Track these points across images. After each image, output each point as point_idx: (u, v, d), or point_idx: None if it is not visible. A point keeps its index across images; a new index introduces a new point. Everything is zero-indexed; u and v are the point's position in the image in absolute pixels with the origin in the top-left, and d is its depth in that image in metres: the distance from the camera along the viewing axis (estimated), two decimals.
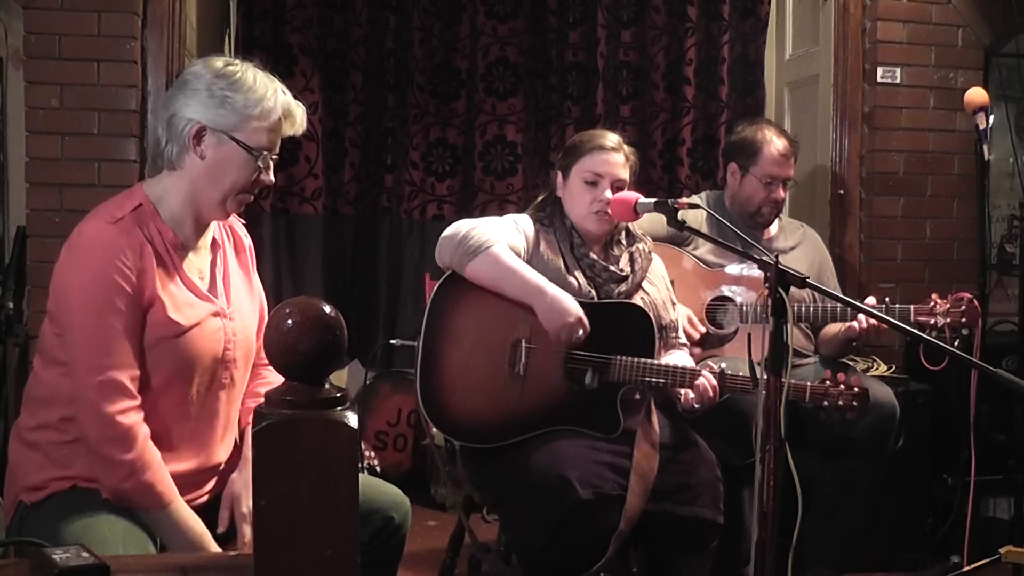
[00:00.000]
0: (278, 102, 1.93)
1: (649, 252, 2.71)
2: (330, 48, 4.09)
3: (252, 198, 1.99)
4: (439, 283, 2.53)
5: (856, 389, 2.49)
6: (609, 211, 2.57)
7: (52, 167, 3.38)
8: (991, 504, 3.70)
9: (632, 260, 2.66)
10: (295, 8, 4.01)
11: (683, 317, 2.97)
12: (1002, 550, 2.86)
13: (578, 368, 2.49)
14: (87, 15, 3.36)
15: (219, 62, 1.93)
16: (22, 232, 3.44)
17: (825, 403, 2.50)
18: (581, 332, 2.45)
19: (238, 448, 2.10)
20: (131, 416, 1.82)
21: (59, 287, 1.86)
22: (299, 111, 1.99)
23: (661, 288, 2.72)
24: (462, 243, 2.46)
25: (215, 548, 1.87)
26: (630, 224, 2.71)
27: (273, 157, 1.96)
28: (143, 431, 1.83)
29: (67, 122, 3.38)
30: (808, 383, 2.52)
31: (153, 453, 1.84)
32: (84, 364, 1.82)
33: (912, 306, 2.84)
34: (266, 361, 2.04)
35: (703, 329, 3.04)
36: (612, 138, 2.65)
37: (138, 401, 1.84)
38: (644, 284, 2.66)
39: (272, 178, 1.97)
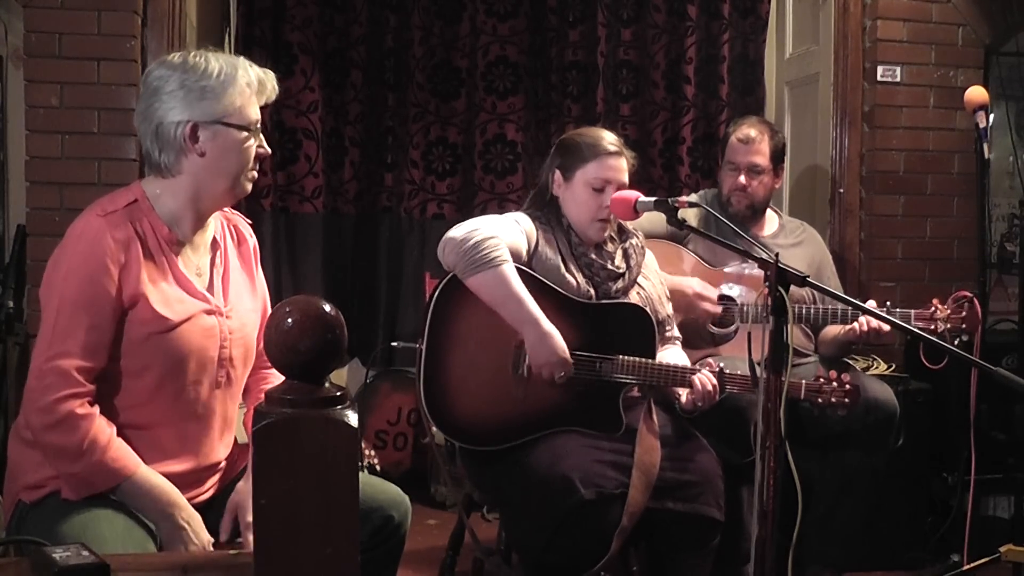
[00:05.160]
0: (250, 73, 1.93)
1: (642, 247, 2.71)
2: (330, 47, 4.09)
3: (256, 174, 1.99)
4: (442, 283, 2.50)
5: (848, 386, 2.51)
6: (610, 215, 2.56)
7: (52, 166, 3.38)
8: (991, 503, 3.70)
9: (627, 256, 2.66)
10: (295, 7, 4.01)
11: (695, 285, 2.97)
12: (1002, 549, 2.86)
13: (580, 369, 2.48)
14: (87, 14, 3.36)
15: (176, 58, 1.92)
16: (22, 231, 3.44)
17: (819, 400, 2.52)
18: (563, 374, 2.44)
19: (239, 447, 2.10)
20: (71, 403, 1.79)
21: (45, 277, 1.87)
22: (269, 78, 1.97)
23: (656, 282, 2.72)
24: (470, 252, 2.41)
25: (183, 502, 1.86)
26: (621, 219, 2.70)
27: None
28: (88, 416, 1.80)
29: (67, 121, 3.38)
30: (803, 381, 2.53)
31: (102, 434, 1.81)
32: (37, 352, 1.83)
33: (912, 311, 2.84)
34: (269, 364, 2.03)
35: (714, 295, 3.02)
36: (612, 140, 2.63)
37: (83, 389, 1.81)
38: (639, 279, 2.66)
39: (268, 149, 1.98)
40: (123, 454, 1.83)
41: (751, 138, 3.22)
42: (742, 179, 3.20)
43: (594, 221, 2.59)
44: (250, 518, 1.92)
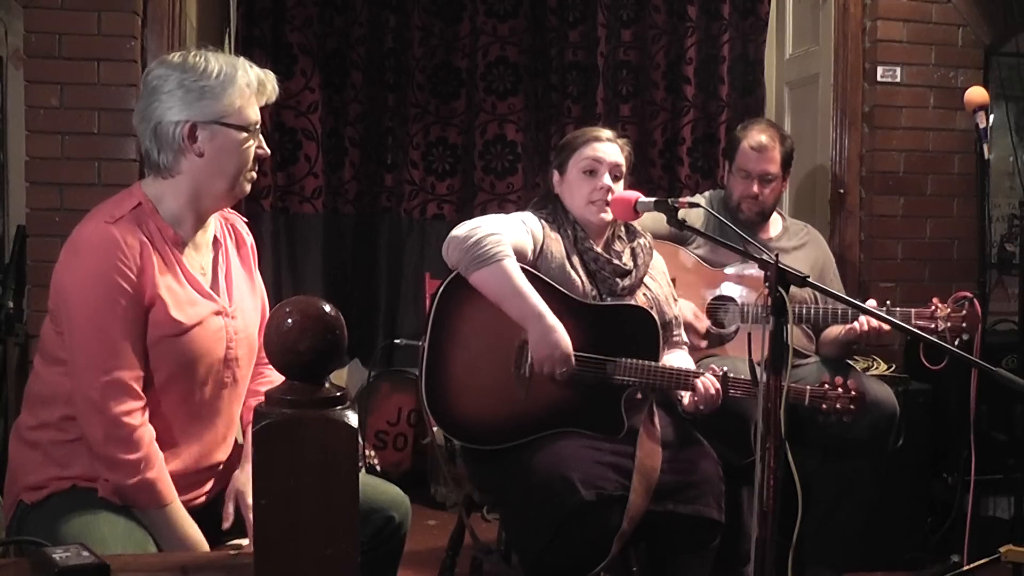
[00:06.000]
0: (250, 74, 1.92)
1: (650, 247, 2.71)
2: (330, 47, 4.10)
3: (256, 175, 1.99)
4: (445, 282, 2.50)
5: (854, 393, 2.50)
6: (610, 200, 2.56)
7: (52, 166, 3.38)
8: (991, 503, 3.70)
9: (634, 255, 2.65)
10: (295, 7, 4.02)
11: (687, 312, 2.97)
12: (1002, 549, 2.86)
13: (583, 370, 2.48)
14: (87, 14, 3.36)
15: (176, 57, 1.92)
16: (22, 231, 3.44)
17: (823, 406, 2.51)
18: (564, 370, 2.43)
19: (238, 447, 2.10)
20: (137, 417, 1.82)
21: (60, 287, 1.85)
22: (269, 79, 1.97)
23: (663, 284, 2.72)
24: (472, 248, 2.41)
25: (204, 548, 1.87)
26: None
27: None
28: (149, 432, 1.84)
29: (67, 121, 3.38)
30: (808, 387, 2.52)
31: (157, 453, 1.84)
32: (87, 365, 1.81)
33: (913, 310, 2.84)
34: (268, 360, 2.03)
35: (707, 323, 3.04)
36: (606, 131, 2.66)
37: (143, 402, 1.84)
38: (646, 279, 2.66)
39: (267, 150, 1.98)
40: (166, 482, 1.85)
41: (765, 146, 3.17)
42: (755, 188, 3.17)
43: (590, 203, 2.58)
44: (251, 500, 1.93)
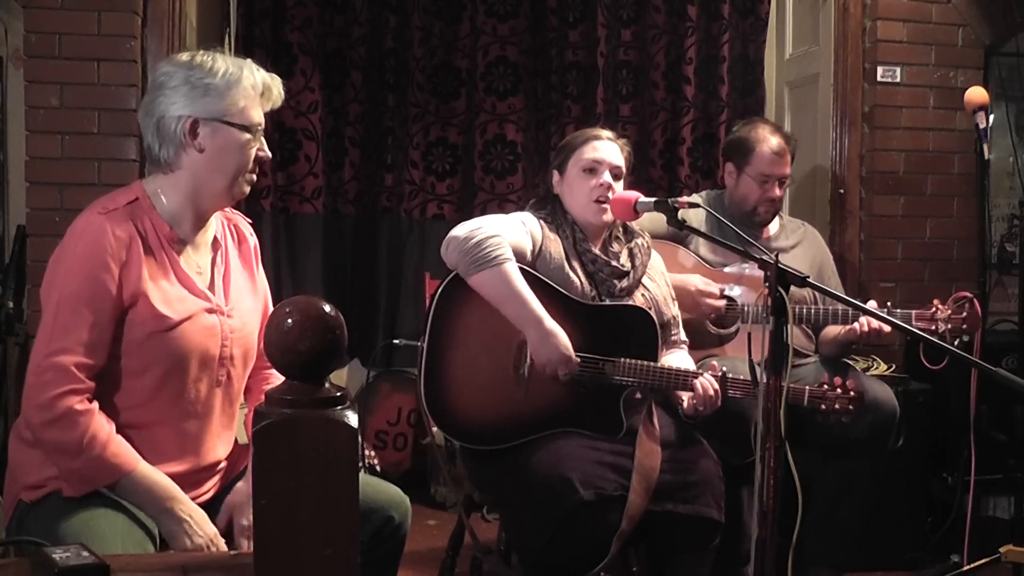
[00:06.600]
0: (255, 76, 1.94)
1: (648, 248, 2.71)
2: (330, 47, 4.10)
3: (256, 177, 1.99)
4: (444, 283, 2.50)
5: (852, 393, 2.50)
6: (610, 199, 2.56)
7: (52, 166, 3.38)
8: (991, 503, 3.70)
9: (632, 256, 2.66)
10: (295, 7, 4.02)
11: (697, 282, 2.97)
12: (1002, 549, 2.86)
13: (582, 370, 2.48)
14: (87, 14, 3.37)
15: (185, 56, 1.94)
16: (22, 231, 3.44)
17: (822, 406, 2.51)
18: (567, 372, 2.44)
19: (239, 447, 2.10)
20: (70, 399, 1.79)
21: (45, 275, 1.88)
22: (275, 84, 1.99)
23: (661, 284, 2.72)
24: (473, 250, 2.41)
25: (182, 496, 1.86)
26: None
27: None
28: (87, 412, 1.80)
29: (67, 121, 3.38)
30: (807, 387, 2.52)
31: (101, 430, 1.81)
32: (37, 348, 1.83)
33: (913, 311, 2.84)
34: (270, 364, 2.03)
35: (716, 290, 3.02)
36: (605, 131, 2.67)
37: (82, 386, 1.81)
38: (644, 280, 2.66)
39: (269, 153, 1.99)
40: (123, 450, 1.84)
41: (784, 149, 3.17)
42: (777, 191, 3.18)
43: (591, 203, 2.58)
44: (245, 521, 1.93)
